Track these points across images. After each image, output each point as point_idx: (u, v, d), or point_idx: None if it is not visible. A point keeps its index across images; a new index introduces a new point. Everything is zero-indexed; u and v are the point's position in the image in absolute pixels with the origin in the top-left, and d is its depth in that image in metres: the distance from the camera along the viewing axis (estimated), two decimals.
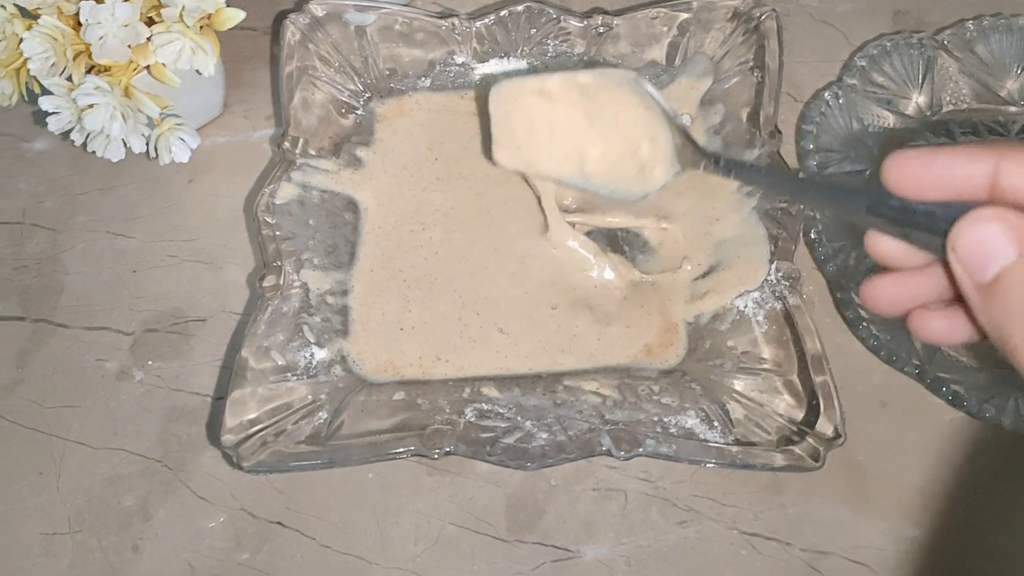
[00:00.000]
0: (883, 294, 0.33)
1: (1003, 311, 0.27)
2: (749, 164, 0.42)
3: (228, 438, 0.45)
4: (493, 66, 0.60)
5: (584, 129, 0.47)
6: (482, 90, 0.58)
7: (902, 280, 0.32)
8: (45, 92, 0.53)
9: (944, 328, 0.32)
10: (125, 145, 0.55)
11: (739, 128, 0.55)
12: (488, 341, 0.53)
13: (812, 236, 0.53)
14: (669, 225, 0.55)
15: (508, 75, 0.51)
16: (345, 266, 0.54)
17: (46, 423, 0.54)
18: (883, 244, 0.32)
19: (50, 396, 0.55)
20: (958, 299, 0.31)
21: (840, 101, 0.58)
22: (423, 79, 0.60)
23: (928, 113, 0.60)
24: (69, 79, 0.52)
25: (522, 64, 0.60)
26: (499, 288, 0.54)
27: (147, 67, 0.53)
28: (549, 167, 0.49)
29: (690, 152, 0.42)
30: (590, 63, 0.59)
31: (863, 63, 0.59)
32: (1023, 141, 0.57)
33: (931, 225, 0.29)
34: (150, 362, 0.56)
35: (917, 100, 0.60)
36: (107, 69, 0.53)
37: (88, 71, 0.53)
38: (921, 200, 0.29)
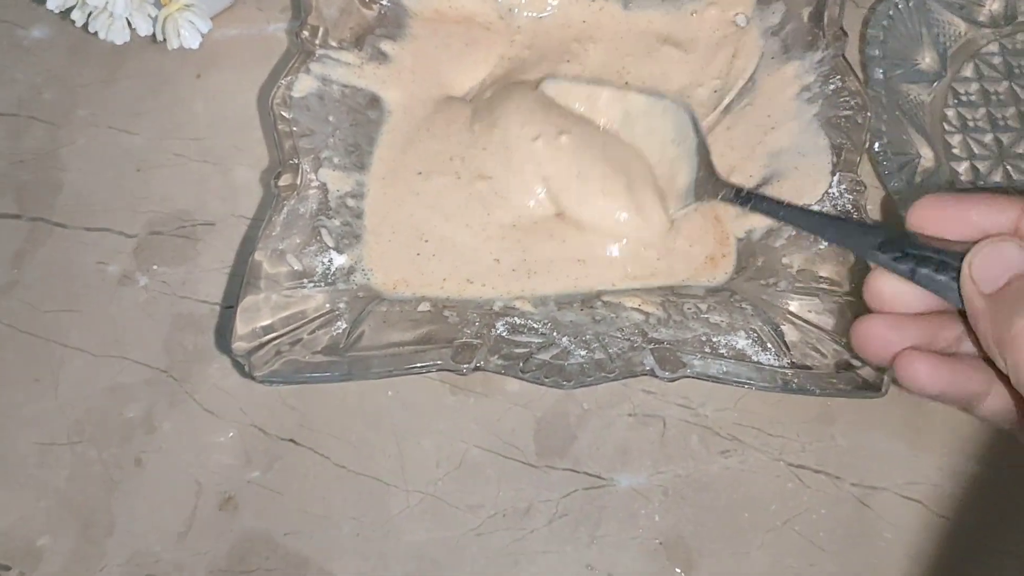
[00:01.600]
0: (874, 335, 0.33)
1: (1006, 309, 0.29)
2: (768, 196, 0.41)
3: (240, 345, 0.42)
4: None
5: (597, 156, 0.48)
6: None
7: (896, 323, 0.33)
8: None
9: (926, 373, 0.32)
10: (130, 26, 0.50)
11: (800, 28, 0.50)
12: (534, 274, 0.48)
13: (876, 149, 0.49)
14: None
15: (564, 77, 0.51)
16: (367, 168, 0.50)
17: (44, 328, 0.50)
18: (885, 284, 0.33)
19: (48, 299, 0.51)
20: (947, 353, 0.33)
21: (910, 4, 0.53)
22: None
23: (1002, 22, 0.55)
24: None
25: None
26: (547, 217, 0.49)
27: None
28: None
29: (711, 184, 0.44)
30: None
31: None
32: None
33: (942, 266, 0.31)
34: (155, 267, 0.52)
35: (991, 7, 0.55)
36: None
37: None
38: (943, 237, 0.32)
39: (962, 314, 0.31)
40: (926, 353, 0.32)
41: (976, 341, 0.31)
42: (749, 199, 0.42)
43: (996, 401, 0.32)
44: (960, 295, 0.30)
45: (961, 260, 0.30)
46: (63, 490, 0.46)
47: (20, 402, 0.48)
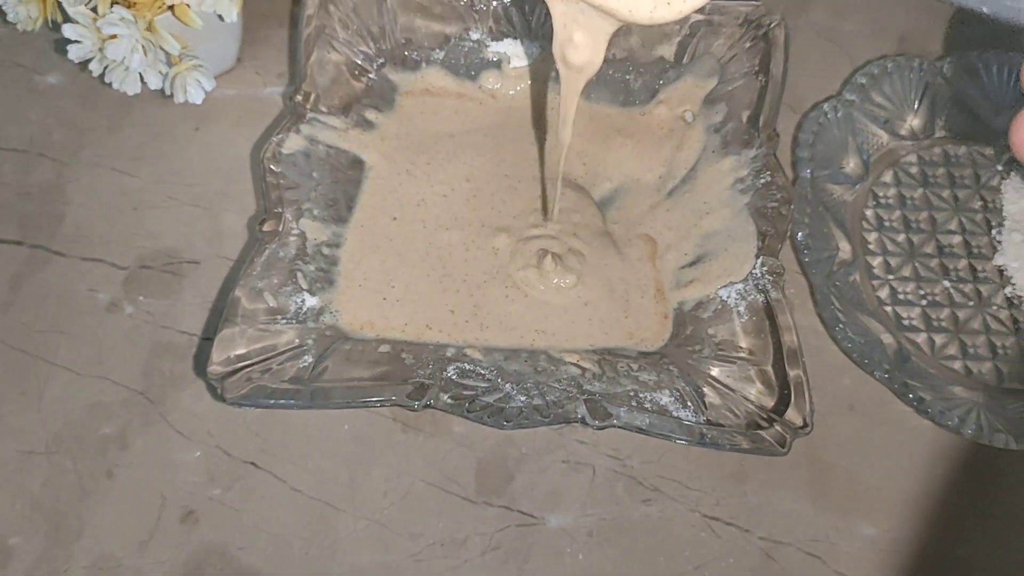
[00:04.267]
0: None
1: None
2: None
3: (215, 369, 0.46)
4: (506, 46, 0.61)
5: None
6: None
7: None
8: (68, 20, 0.54)
9: None
10: (142, 80, 0.56)
11: (739, 128, 0.57)
12: (485, 328, 0.53)
13: (799, 239, 0.55)
14: None
15: None
16: (343, 221, 0.56)
17: (34, 346, 0.55)
18: None
19: (40, 320, 0.55)
20: None
21: (838, 114, 0.60)
22: (437, 51, 0.61)
23: (921, 136, 0.61)
24: (94, 10, 0.53)
25: (535, 47, 0.61)
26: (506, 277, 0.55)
27: (171, 7, 0.54)
28: None
29: None
30: None
31: (863, 80, 0.61)
32: None
33: None
34: (141, 297, 0.56)
35: (912, 123, 0.62)
36: (133, 4, 0.54)
37: (113, 3, 0.54)
38: None
39: None
40: None
41: None
42: None
43: None
44: None
45: None
46: (37, 495, 0.50)
47: (5, 412, 0.52)
